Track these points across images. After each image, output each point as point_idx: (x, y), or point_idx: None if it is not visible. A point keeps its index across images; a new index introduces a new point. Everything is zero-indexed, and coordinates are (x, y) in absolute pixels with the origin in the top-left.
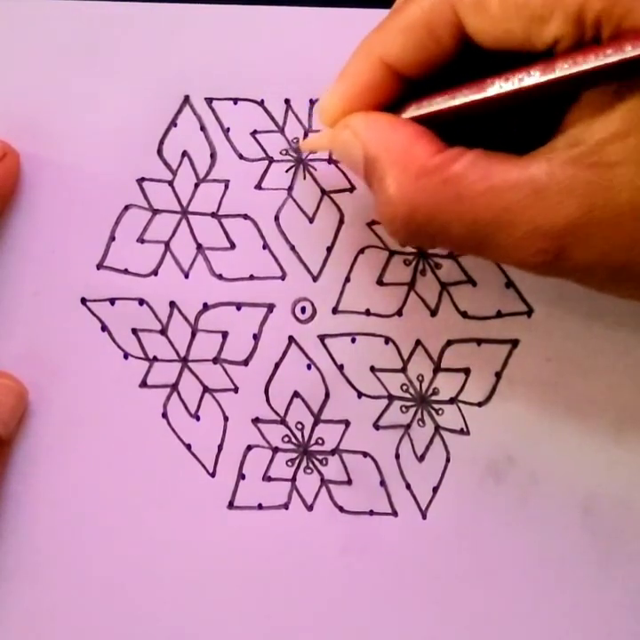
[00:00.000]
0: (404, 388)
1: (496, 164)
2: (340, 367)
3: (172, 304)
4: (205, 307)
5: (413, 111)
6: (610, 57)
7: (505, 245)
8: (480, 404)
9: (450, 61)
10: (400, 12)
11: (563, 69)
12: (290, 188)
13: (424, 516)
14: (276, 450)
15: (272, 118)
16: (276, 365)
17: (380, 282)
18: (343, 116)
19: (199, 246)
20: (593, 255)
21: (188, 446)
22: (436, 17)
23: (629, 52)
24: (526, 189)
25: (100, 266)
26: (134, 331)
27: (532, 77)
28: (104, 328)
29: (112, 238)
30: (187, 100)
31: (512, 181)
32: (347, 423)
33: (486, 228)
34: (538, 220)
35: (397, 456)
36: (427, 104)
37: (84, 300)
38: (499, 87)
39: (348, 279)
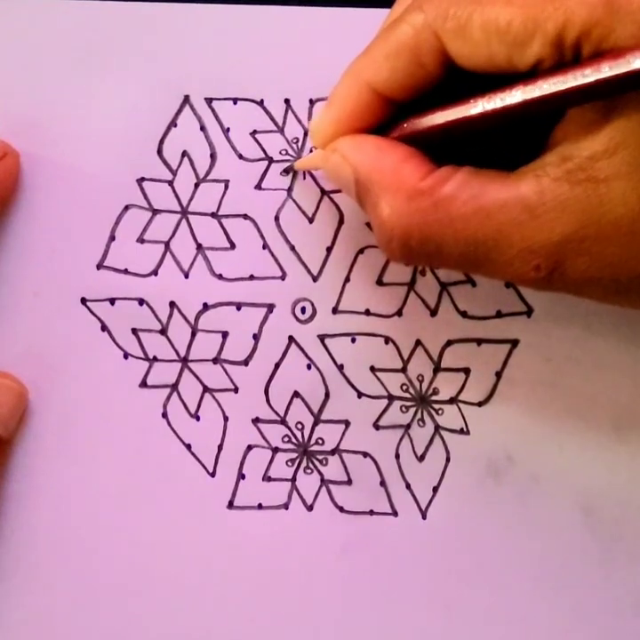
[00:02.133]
0: (404, 387)
1: (486, 184)
2: (340, 367)
3: (172, 304)
4: (205, 307)
5: (401, 132)
6: (588, 77)
7: (500, 264)
8: (480, 404)
9: (436, 84)
10: (384, 38)
11: (543, 89)
12: (289, 189)
13: (424, 516)
14: (275, 450)
15: (272, 118)
16: (276, 365)
17: (379, 282)
18: (333, 139)
19: (199, 246)
20: (588, 270)
21: (188, 446)
22: (419, 43)
23: (606, 71)
24: (518, 208)
25: (99, 266)
26: (134, 331)
27: (514, 97)
28: (104, 328)
29: (112, 238)
30: (187, 99)
31: (503, 200)
32: (347, 423)
33: (480, 247)
34: (531, 238)
35: (397, 456)
36: (412, 125)
37: (84, 300)
38: (481, 107)
39: (347, 279)
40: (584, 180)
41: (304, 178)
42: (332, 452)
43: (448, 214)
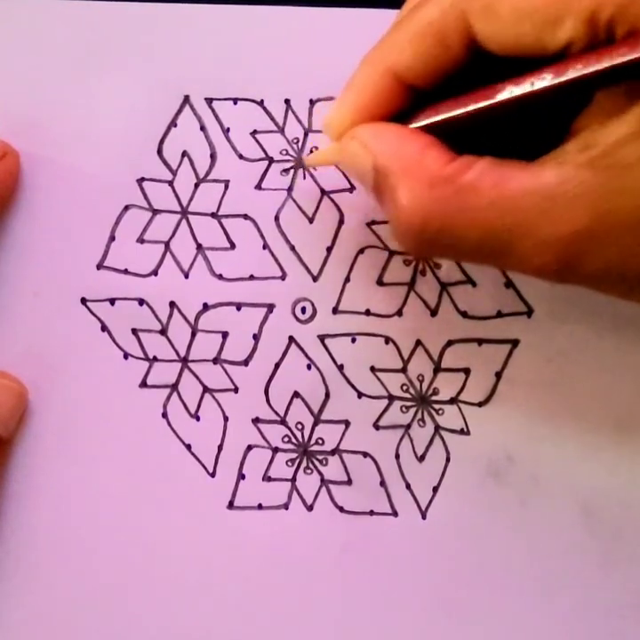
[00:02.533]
0: (404, 387)
1: (507, 172)
2: (340, 367)
3: (172, 304)
4: (205, 307)
5: (423, 120)
6: (624, 56)
7: (520, 254)
8: (480, 404)
9: (459, 70)
10: (408, 21)
11: (576, 70)
12: (290, 189)
13: (424, 516)
14: (275, 450)
15: (272, 118)
16: (276, 365)
17: (379, 282)
18: (350, 129)
19: (199, 246)
20: (609, 260)
21: (188, 446)
22: (445, 24)
23: None
24: (539, 196)
25: (100, 266)
26: (134, 331)
27: (544, 80)
28: (104, 328)
29: (112, 238)
30: (187, 99)
31: (524, 189)
32: (347, 423)
33: (500, 236)
34: (552, 227)
35: (397, 456)
36: (436, 112)
37: (84, 300)
38: (510, 92)
39: (347, 279)
40: (607, 166)
41: (304, 178)
42: (332, 452)
43: (469, 203)
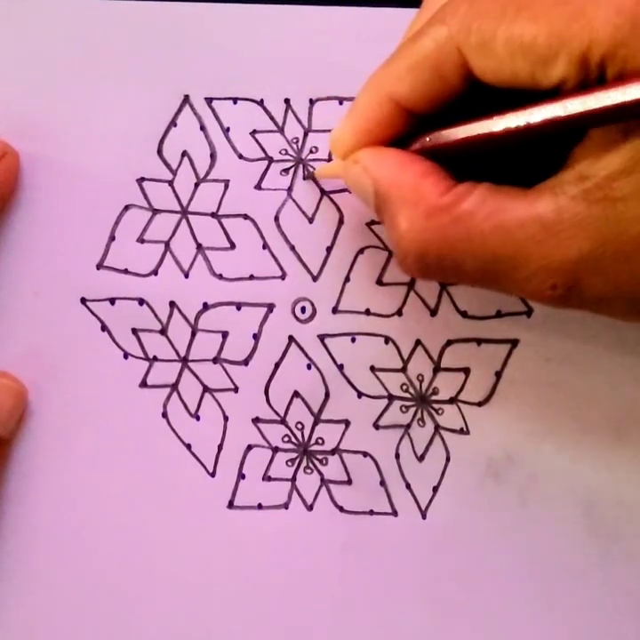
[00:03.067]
0: (404, 387)
1: (504, 201)
2: (340, 367)
3: (172, 304)
4: (205, 307)
5: (421, 145)
6: (613, 99)
7: (518, 281)
8: (480, 404)
9: (458, 97)
10: (407, 51)
11: (567, 109)
12: (289, 188)
13: (424, 516)
14: (275, 450)
15: (272, 118)
16: (276, 365)
17: (379, 282)
18: (354, 149)
19: (199, 246)
20: (606, 288)
21: (188, 446)
22: (442, 57)
23: (632, 94)
24: (536, 226)
25: (99, 266)
26: (134, 331)
27: (538, 116)
28: (104, 328)
29: (112, 238)
30: (187, 99)
31: (521, 218)
32: (347, 423)
33: (498, 265)
34: (549, 256)
35: (397, 456)
36: (434, 139)
37: (83, 300)
38: (505, 124)
39: (347, 279)
40: (601, 199)
41: (304, 178)
42: (332, 451)
43: (466, 231)
